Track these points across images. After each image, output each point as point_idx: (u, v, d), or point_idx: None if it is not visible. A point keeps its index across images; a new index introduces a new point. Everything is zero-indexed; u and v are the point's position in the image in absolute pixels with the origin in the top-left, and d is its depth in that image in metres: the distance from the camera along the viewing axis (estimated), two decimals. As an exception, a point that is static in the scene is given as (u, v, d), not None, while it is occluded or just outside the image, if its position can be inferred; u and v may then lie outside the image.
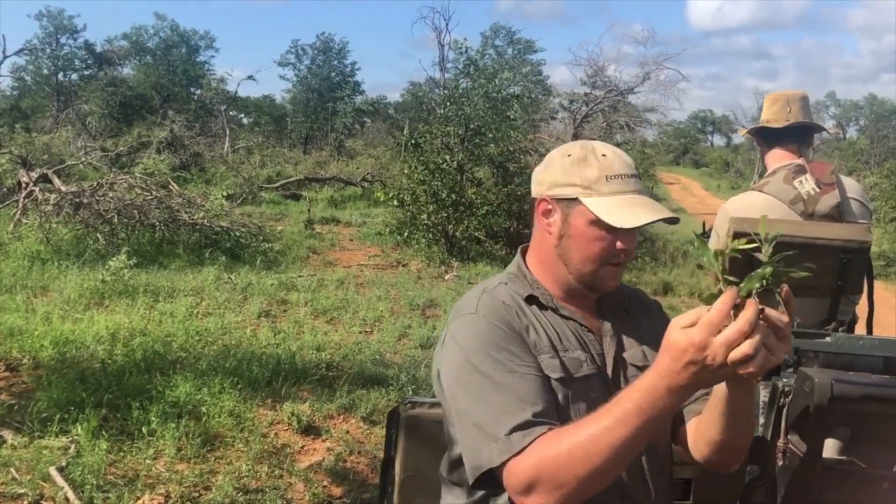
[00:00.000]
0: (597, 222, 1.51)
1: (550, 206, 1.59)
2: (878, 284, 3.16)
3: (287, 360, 5.54)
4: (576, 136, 11.97)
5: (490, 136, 12.35)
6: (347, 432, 4.64)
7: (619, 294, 1.70)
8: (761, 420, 2.41)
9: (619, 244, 1.53)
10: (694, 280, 10.89)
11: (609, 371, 1.59)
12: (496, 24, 54.57)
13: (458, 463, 1.53)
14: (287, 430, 4.57)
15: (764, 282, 1.16)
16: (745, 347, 1.11)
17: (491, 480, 1.40)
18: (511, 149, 12.72)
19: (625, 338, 1.64)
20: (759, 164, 34.25)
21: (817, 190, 3.00)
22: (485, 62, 16.54)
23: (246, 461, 4.06)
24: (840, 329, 2.89)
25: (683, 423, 1.63)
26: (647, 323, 1.70)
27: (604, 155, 1.55)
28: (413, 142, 12.60)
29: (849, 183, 3.12)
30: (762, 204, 3.05)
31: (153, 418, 4.29)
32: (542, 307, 1.59)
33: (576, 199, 1.54)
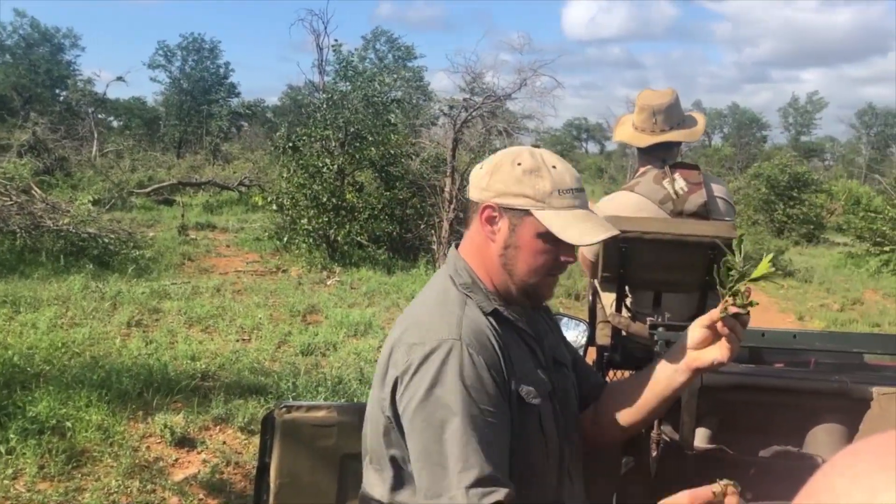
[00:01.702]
0: (545, 235, 1.50)
1: (496, 214, 1.54)
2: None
3: (159, 371, 5.32)
4: (456, 142, 12.04)
5: (370, 139, 12.29)
6: (224, 443, 4.49)
7: None
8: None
9: (562, 257, 1.54)
10: (570, 282, 11.15)
11: (552, 377, 1.62)
12: (377, 27, 54.58)
13: (400, 487, 1.50)
14: (160, 442, 4.38)
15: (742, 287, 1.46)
16: None
17: None
18: (392, 153, 12.70)
19: (549, 339, 1.68)
20: (629, 171, 35.66)
21: (685, 190, 3.11)
22: (365, 66, 16.46)
23: (116, 476, 3.86)
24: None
25: (585, 409, 1.72)
26: (550, 319, 1.76)
27: (554, 166, 1.53)
28: (291, 145, 12.37)
29: (714, 183, 3.26)
30: (633, 203, 3.15)
31: (12, 435, 4.04)
32: (503, 321, 1.55)
33: (526, 211, 1.51)
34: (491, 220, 1.55)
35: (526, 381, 1.50)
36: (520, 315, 1.60)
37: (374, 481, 1.56)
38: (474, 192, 1.58)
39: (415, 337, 1.48)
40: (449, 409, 1.38)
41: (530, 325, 1.63)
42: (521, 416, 1.47)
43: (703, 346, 1.53)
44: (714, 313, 1.49)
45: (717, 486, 1.26)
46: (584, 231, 1.49)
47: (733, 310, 1.46)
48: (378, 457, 1.55)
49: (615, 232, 1.54)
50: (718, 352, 1.51)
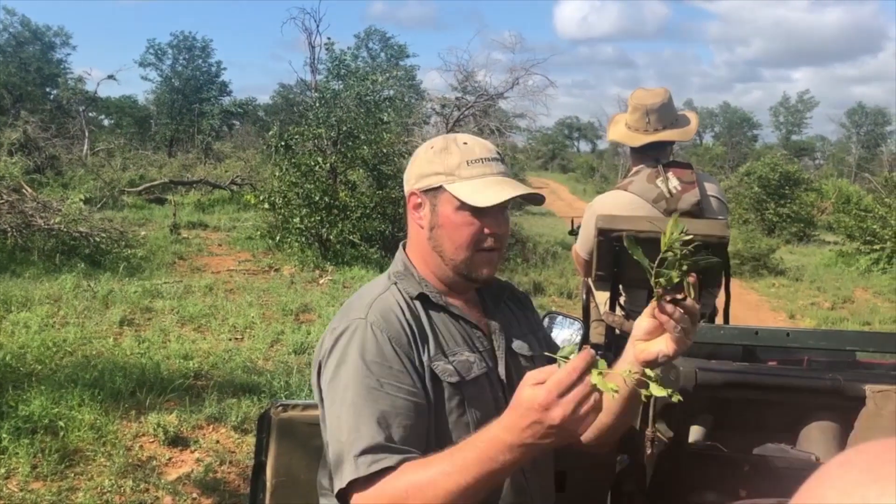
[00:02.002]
0: (462, 207, 1.52)
1: (420, 200, 1.58)
2: (732, 281, 3.33)
3: (152, 370, 5.31)
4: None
5: (363, 138, 12.27)
6: (217, 442, 4.49)
7: (497, 286, 1.72)
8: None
9: (486, 229, 1.54)
10: (563, 280, 11.18)
11: (502, 368, 1.60)
12: (370, 27, 54.55)
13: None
14: (153, 442, 4.38)
15: (679, 270, 1.33)
16: (593, 404, 1.18)
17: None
18: (385, 151, 12.68)
19: (511, 330, 1.66)
20: (621, 170, 35.76)
21: (679, 188, 3.13)
22: (357, 64, 16.44)
23: (109, 476, 3.86)
24: (701, 321, 3.02)
25: None
26: (525, 314, 1.74)
27: (465, 143, 1.57)
28: (284, 143, 12.34)
29: (708, 182, 3.28)
30: (627, 202, 3.16)
31: (4, 435, 4.03)
32: (432, 305, 1.57)
33: (440, 188, 1.54)
34: (417, 207, 1.59)
35: (445, 360, 1.50)
36: (471, 301, 1.63)
37: (323, 471, 1.59)
38: (405, 188, 1.63)
39: (335, 323, 1.54)
40: (348, 385, 1.42)
41: (483, 311, 1.64)
42: (436, 393, 1.47)
43: (652, 338, 1.43)
44: (655, 301, 1.41)
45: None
46: (491, 194, 1.50)
47: (670, 297, 1.36)
48: (324, 445, 1.57)
49: (528, 190, 1.54)
50: (664, 343, 1.40)
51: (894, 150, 45.73)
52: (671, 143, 3.32)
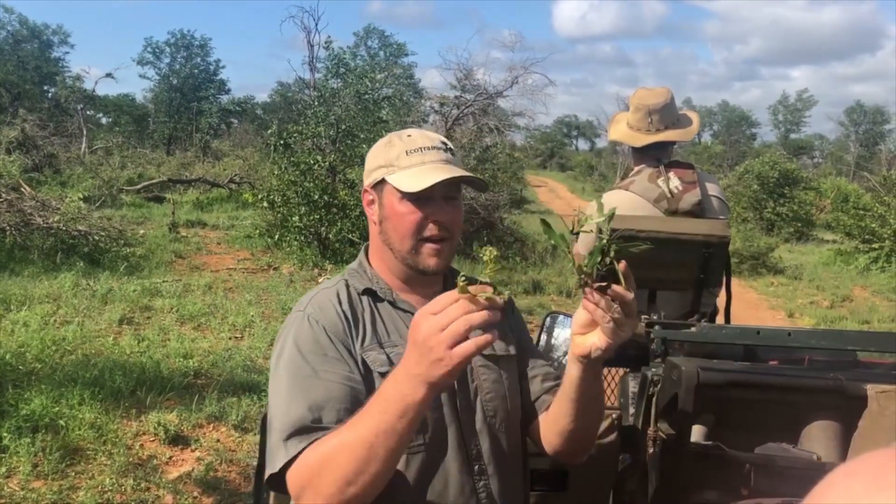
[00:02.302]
0: (404, 196, 1.51)
1: (371, 196, 1.60)
2: (732, 279, 3.33)
3: (152, 369, 5.31)
4: (447, 139, 12.05)
5: (362, 136, 12.25)
6: (218, 441, 4.49)
7: None
8: (632, 410, 2.49)
9: (430, 218, 1.52)
10: (562, 279, 11.18)
11: None
12: (369, 25, 54.55)
13: None
14: (153, 440, 4.38)
15: (606, 258, 1.23)
16: (457, 326, 1.15)
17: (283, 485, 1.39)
18: (383, 150, 12.67)
19: None
20: (620, 168, 35.73)
21: (680, 188, 3.13)
22: (356, 62, 16.44)
23: (109, 475, 3.86)
24: (703, 320, 3.02)
25: (536, 416, 1.65)
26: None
27: (409, 135, 1.58)
28: (282, 142, 12.32)
29: (709, 181, 3.28)
30: (629, 202, 3.16)
31: (5, 434, 4.03)
32: (379, 300, 1.59)
33: (383, 180, 1.55)
34: (370, 204, 1.61)
35: (379, 350, 1.50)
36: (432, 297, 1.58)
37: None
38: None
39: (286, 319, 1.59)
40: (284, 376, 1.45)
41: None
42: (368, 382, 1.46)
43: (588, 331, 1.34)
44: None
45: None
46: (427, 179, 1.48)
47: (596, 285, 1.25)
48: None
49: (462, 173, 1.51)
50: (597, 336, 1.31)
51: (893, 149, 45.72)
52: (673, 143, 3.32)
